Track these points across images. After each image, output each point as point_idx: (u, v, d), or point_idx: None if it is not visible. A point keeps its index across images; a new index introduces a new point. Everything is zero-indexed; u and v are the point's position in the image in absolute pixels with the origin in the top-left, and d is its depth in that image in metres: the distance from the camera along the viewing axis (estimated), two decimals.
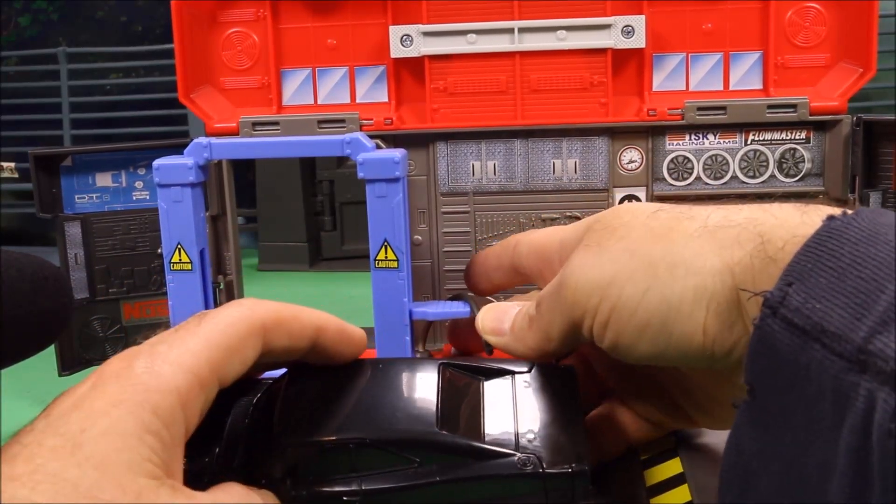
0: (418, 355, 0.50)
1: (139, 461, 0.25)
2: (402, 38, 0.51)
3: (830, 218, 0.26)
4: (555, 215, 0.53)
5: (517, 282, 0.42)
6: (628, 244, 0.31)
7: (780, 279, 0.26)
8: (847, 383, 0.23)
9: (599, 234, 0.33)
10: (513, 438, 0.32)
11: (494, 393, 0.35)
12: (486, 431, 0.32)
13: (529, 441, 0.32)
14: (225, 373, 0.29)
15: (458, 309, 0.47)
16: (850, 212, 0.26)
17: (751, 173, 0.52)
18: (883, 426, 0.21)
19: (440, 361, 0.35)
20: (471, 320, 0.43)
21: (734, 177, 0.52)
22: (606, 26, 0.50)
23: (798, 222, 0.28)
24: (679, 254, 0.30)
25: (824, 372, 0.23)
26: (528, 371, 0.36)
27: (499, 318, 0.38)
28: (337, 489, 0.30)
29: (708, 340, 0.29)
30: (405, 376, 0.34)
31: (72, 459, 0.24)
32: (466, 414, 0.33)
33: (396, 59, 0.52)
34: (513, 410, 0.34)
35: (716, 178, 0.52)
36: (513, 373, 0.36)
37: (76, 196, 0.55)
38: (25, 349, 0.46)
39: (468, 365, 0.36)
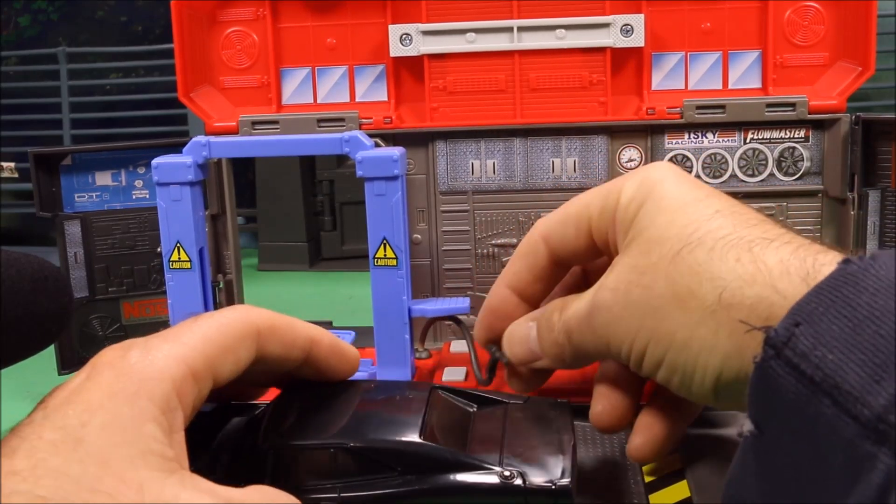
0: (418, 354, 0.50)
1: (141, 453, 0.25)
2: (401, 37, 0.51)
3: (846, 261, 0.25)
4: None
5: (591, 257, 0.40)
6: (652, 299, 0.33)
7: (786, 317, 0.25)
8: (862, 451, 0.21)
9: (628, 274, 0.34)
10: (497, 455, 0.32)
11: (484, 416, 0.35)
12: (471, 447, 0.32)
13: (514, 458, 0.32)
14: (218, 370, 0.29)
15: (457, 305, 0.48)
16: (867, 256, 0.25)
17: (750, 172, 0.52)
18: None
19: (432, 385, 0.36)
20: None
21: (733, 175, 0.52)
22: (605, 25, 0.51)
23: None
24: (695, 329, 0.31)
25: (836, 432, 0.22)
26: (522, 402, 0.36)
27: (525, 345, 0.39)
28: (315, 495, 0.30)
29: (721, 402, 0.32)
30: (394, 395, 0.34)
31: (74, 455, 0.24)
32: (452, 430, 0.33)
33: (396, 58, 0.52)
34: (501, 432, 0.33)
35: (715, 177, 0.52)
36: (506, 403, 0.36)
37: (76, 195, 0.55)
38: (25, 349, 0.46)
39: (461, 391, 0.36)
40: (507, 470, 0.31)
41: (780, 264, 0.29)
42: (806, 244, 0.30)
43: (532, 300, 0.41)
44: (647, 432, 0.36)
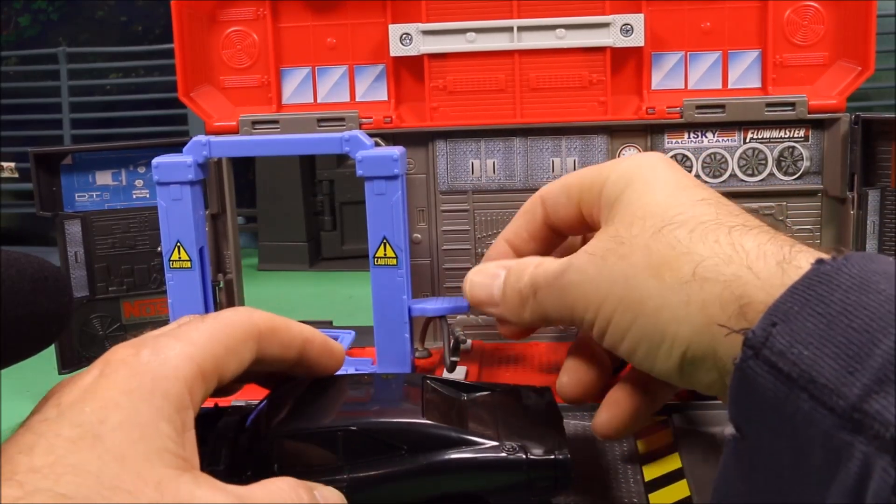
0: (417, 353, 0.50)
1: (157, 451, 0.25)
2: (401, 36, 0.51)
3: (819, 262, 0.26)
4: None
5: (579, 229, 0.41)
6: (626, 268, 0.33)
7: (763, 318, 0.25)
8: (839, 441, 0.22)
9: (608, 242, 0.34)
10: (496, 432, 0.33)
11: (475, 402, 0.36)
12: (471, 426, 0.33)
13: (513, 433, 0.33)
14: (224, 370, 0.30)
15: (457, 304, 0.48)
16: (840, 256, 0.26)
17: (749, 171, 0.52)
18: (881, 496, 0.20)
19: (423, 376, 0.36)
20: None
21: (733, 175, 0.52)
22: (605, 25, 0.51)
23: (778, 283, 0.28)
24: (667, 298, 0.31)
25: (813, 425, 0.23)
26: (509, 390, 0.37)
27: (487, 289, 0.40)
28: (324, 477, 0.31)
29: (685, 379, 0.32)
30: (390, 384, 0.36)
31: (93, 452, 0.24)
32: (450, 412, 0.34)
33: (396, 58, 0.52)
34: (494, 414, 0.35)
35: (715, 177, 0.52)
36: (494, 389, 0.37)
37: (76, 194, 0.55)
38: (25, 349, 0.46)
39: (450, 381, 0.37)
40: (509, 444, 0.32)
41: (757, 248, 0.30)
42: (782, 236, 0.31)
43: (526, 245, 0.42)
44: (613, 408, 0.37)
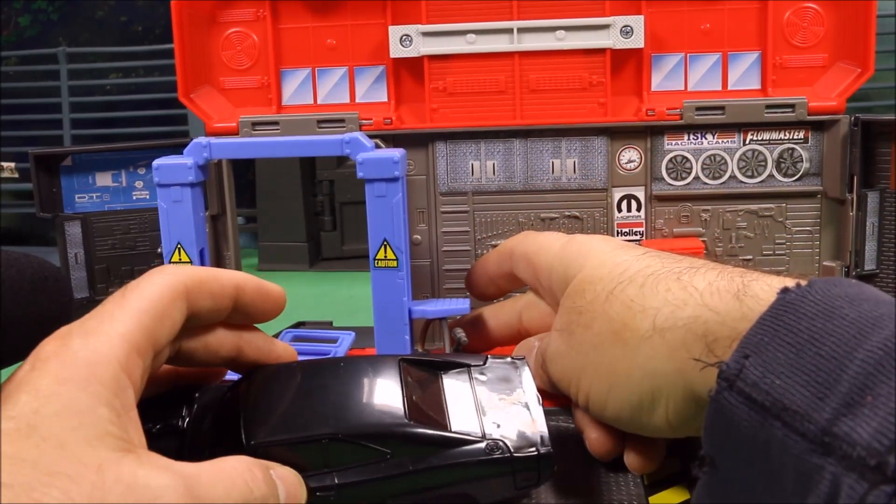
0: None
1: (98, 436, 0.25)
2: (401, 38, 0.52)
3: (785, 290, 0.27)
4: (554, 215, 0.53)
5: (517, 285, 0.46)
6: (591, 336, 0.35)
7: (737, 351, 0.26)
8: (811, 465, 0.23)
9: (569, 315, 0.36)
10: (478, 426, 0.33)
11: (454, 386, 0.36)
12: (452, 421, 0.33)
13: (494, 428, 0.33)
14: (157, 338, 0.29)
15: (457, 306, 0.48)
16: (803, 283, 0.27)
17: (749, 173, 0.52)
18: None
19: (399, 358, 0.36)
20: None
21: (732, 176, 0.52)
22: (605, 26, 0.51)
23: (739, 316, 0.29)
24: (633, 358, 0.32)
25: (786, 451, 0.24)
26: (483, 364, 0.37)
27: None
28: (311, 485, 0.30)
29: (675, 430, 0.33)
30: (367, 373, 0.35)
31: (28, 441, 0.24)
32: (432, 406, 0.34)
33: (396, 59, 0.52)
34: (474, 400, 0.35)
35: (714, 178, 0.52)
36: (469, 366, 0.37)
37: (76, 195, 0.55)
38: (25, 350, 0.46)
39: (426, 360, 0.37)
40: (491, 442, 0.32)
41: (709, 286, 0.31)
42: (729, 268, 0.32)
43: (497, 280, 0.47)
44: (639, 446, 0.37)
